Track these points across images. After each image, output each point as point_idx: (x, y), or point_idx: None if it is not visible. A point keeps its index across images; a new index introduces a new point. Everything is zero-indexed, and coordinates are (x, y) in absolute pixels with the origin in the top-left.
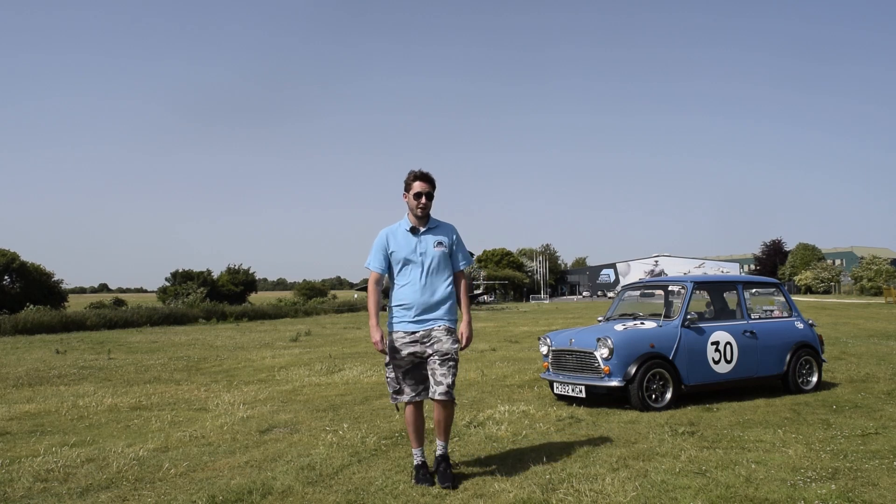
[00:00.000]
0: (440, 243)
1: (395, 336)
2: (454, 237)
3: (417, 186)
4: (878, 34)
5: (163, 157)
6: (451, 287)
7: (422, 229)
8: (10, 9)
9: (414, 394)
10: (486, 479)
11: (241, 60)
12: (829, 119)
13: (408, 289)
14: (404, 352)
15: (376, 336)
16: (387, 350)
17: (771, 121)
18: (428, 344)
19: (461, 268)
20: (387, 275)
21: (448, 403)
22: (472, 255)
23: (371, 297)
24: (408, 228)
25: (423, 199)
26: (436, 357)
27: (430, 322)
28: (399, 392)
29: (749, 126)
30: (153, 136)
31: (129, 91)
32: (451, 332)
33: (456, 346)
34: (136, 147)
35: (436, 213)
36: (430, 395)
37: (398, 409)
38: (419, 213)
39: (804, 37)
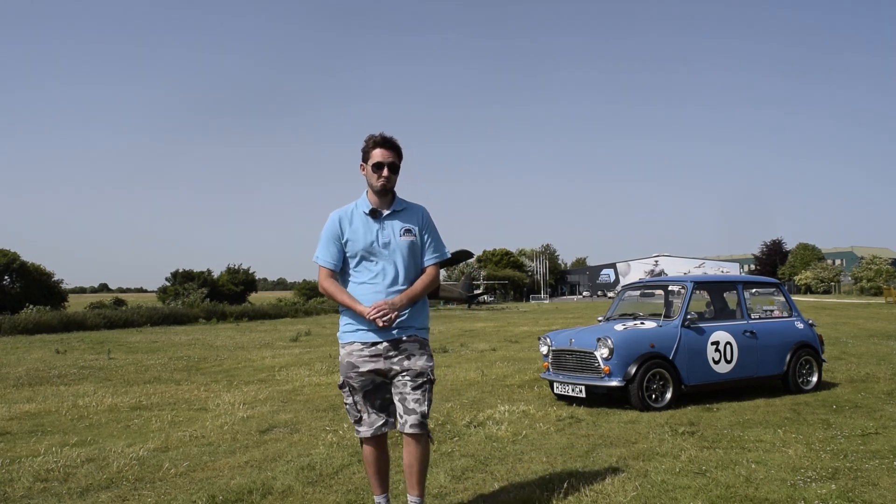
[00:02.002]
0: (408, 231)
1: (350, 349)
2: (424, 220)
3: (378, 155)
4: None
5: (163, 158)
6: None
7: (385, 212)
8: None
9: (380, 423)
10: (486, 479)
11: (239, 63)
12: (830, 119)
13: (367, 288)
14: (363, 368)
15: (365, 308)
16: (389, 309)
17: (771, 121)
18: (395, 359)
19: (430, 263)
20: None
21: (422, 438)
22: (471, 254)
23: (335, 290)
24: (367, 211)
25: (386, 171)
26: (406, 377)
27: (398, 331)
28: (359, 422)
29: (749, 126)
30: (153, 137)
31: (128, 92)
32: (424, 345)
33: (431, 363)
34: (137, 147)
35: (434, 210)
36: (399, 427)
37: (362, 443)
38: (379, 188)
39: (804, 35)
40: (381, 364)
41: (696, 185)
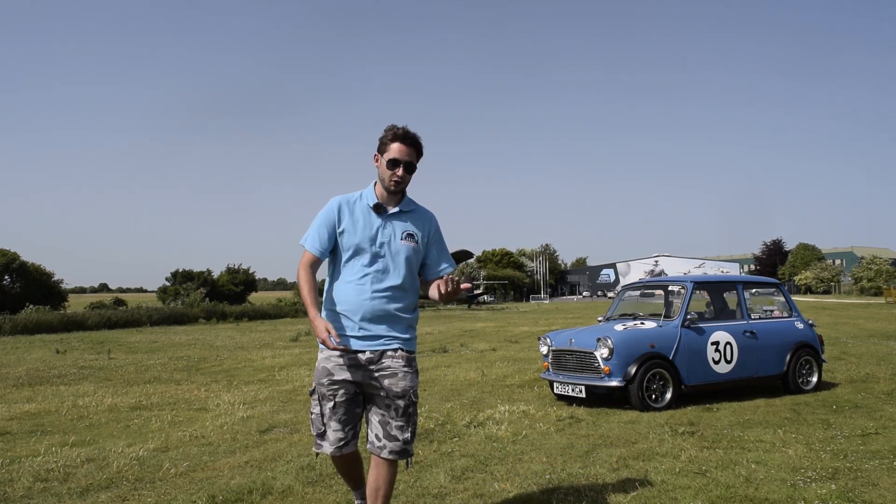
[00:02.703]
0: (410, 235)
1: (328, 353)
2: (432, 231)
3: (395, 150)
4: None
5: (163, 158)
6: (415, 298)
7: (391, 210)
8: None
9: (342, 441)
10: (486, 479)
11: (239, 63)
12: (830, 119)
13: (353, 288)
14: (337, 376)
15: (321, 327)
16: (339, 343)
17: (771, 121)
18: (376, 374)
19: (440, 275)
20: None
21: (395, 463)
22: (471, 254)
23: (304, 284)
24: (371, 204)
25: (401, 171)
26: (388, 400)
27: (383, 341)
28: (322, 436)
29: (749, 127)
30: (153, 137)
31: (128, 92)
32: (411, 362)
33: (415, 383)
34: (137, 147)
35: (435, 210)
36: (375, 451)
37: (318, 457)
38: (392, 188)
39: (804, 36)
40: (358, 376)
41: (696, 186)
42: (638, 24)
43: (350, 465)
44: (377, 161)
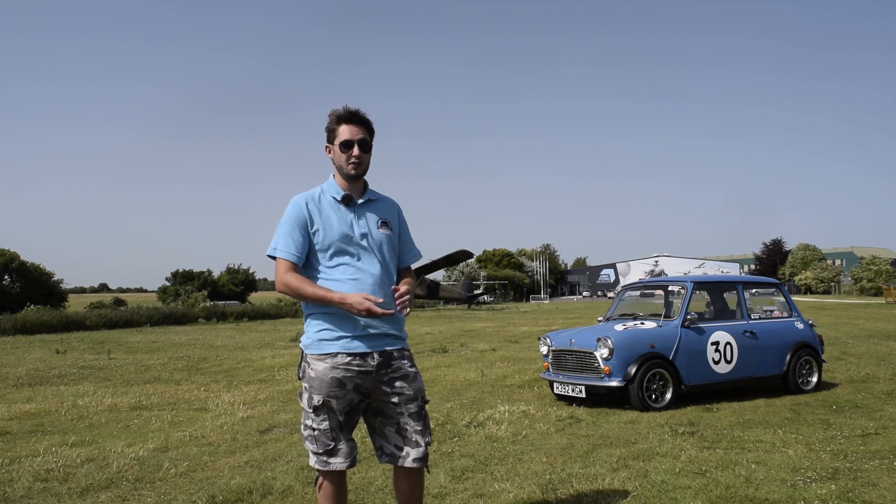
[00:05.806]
0: (385, 223)
1: (334, 361)
2: (400, 218)
3: (346, 132)
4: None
5: (163, 157)
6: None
7: (359, 200)
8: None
9: (354, 451)
10: (486, 479)
11: (240, 62)
12: (830, 119)
13: (350, 286)
14: (350, 384)
15: (357, 298)
16: (373, 303)
17: (771, 121)
18: (385, 378)
19: (410, 263)
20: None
21: (422, 471)
22: (471, 254)
23: (301, 283)
24: (338, 197)
25: (357, 150)
26: (403, 404)
27: (389, 340)
28: (333, 452)
29: (750, 126)
30: (154, 136)
31: (129, 91)
32: (413, 361)
33: (423, 384)
34: (137, 147)
35: (434, 210)
36: (397, 461)
37: (318, 485)
38: (352, 172)
39: (805, 33)
40: (369, 382)
41: (697, 185)
42: (638, 21)
43: (344, 484)
44: (329, 152)
